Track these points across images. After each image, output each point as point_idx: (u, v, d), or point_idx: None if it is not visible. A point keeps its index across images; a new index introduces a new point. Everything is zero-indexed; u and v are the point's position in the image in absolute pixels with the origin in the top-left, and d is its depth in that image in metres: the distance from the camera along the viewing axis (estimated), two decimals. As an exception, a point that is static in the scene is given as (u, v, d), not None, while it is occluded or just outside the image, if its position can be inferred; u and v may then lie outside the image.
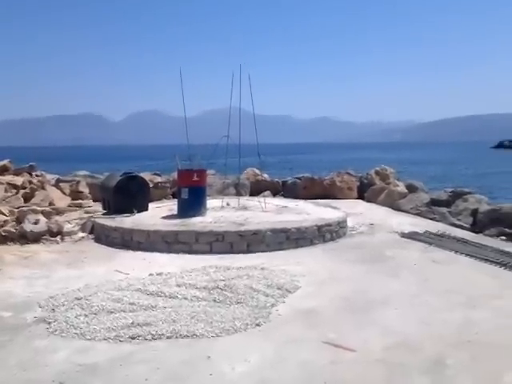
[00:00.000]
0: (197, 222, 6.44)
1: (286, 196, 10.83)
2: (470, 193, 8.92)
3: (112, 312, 3.75)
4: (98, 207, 8.02)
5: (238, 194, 9.77)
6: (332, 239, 6.48)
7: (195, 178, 7.09)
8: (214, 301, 4.00)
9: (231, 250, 5.83)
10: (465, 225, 7.58)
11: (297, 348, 3.21)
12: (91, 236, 6.62)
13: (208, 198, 7.73)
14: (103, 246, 6.21)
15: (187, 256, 5.66)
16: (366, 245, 6.21)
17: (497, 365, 2.94)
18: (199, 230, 6.00)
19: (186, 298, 4.07)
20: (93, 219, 6.96)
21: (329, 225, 6.51)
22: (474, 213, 7.79)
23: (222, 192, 10.19)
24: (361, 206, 9.70)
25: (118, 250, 5.99)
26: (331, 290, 4.37)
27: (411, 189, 9.90)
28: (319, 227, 6.37)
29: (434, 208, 8.45)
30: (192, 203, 6.97)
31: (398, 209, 9.10)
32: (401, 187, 10.03)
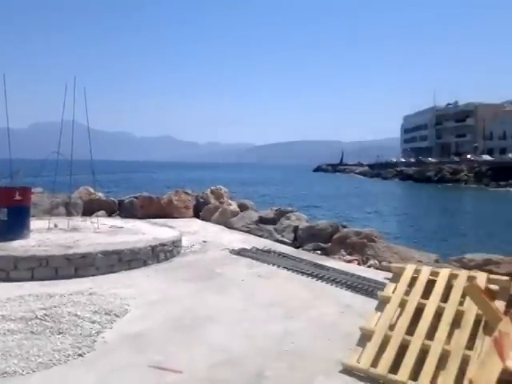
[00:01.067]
0: (17, 246, 5.78)
1: (122, 216, 10.39)
2: (292, 211, 9.88)
3: None
4: None
5: (69, 214, 9.06)
6: (166, 259, 6.44)
7: (17, 197, 6.35)
8: (32, 332, 3.62)
9: (56, 275, 5.36)
10: (287, 240, 8.33)
11: (121, 376, 3.07)
12: None
13: (33, 218, 7.02)
14: None
15: (3, 285, 5.00)
16: (198, 263, 6.31)
17: (309, 372, 3.19)
18: (19, 255, 5.36)
19: (-3, 333, 3.59)
20: None
21: (163, 244, 6.47)
22: (295, 229, 8.60)
23: (50, 212, 9.29)
24: (196, 224, 9.84)
25: None
26: (161, 311, 4.32)
27: (243, 207, 10.53)
28: (153, 247, 6.27)
29: (261, 225, 9.12)
30: (12, 225, 6.25)
31: (230, 227, 9.55)
32: (233, 206, 10.59)
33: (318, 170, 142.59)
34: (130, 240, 6.43)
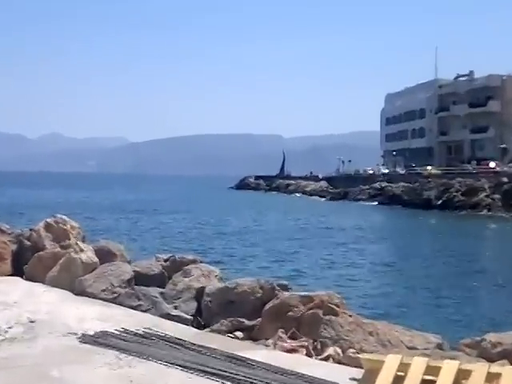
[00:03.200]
0: None
1: None
2: (194, 261, 9.99)
3: None
4: None
5: None
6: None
7: None
8: None
9: None
10: (185, 315, 8.33)
11: None
12: None
13: None
14: None
15: None
16: (19, 361, 6.16)
17: None
18: None
19: None
20: None
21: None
22: (199, 295, 8.66)
23: None
24: (17, 288, 9.65)
25: None
26: None
27: (105, 256, 10.40)
28: None
29: (138, 289, 9.08)
30: None
31: (81, 292, 9.37)
32: (88, 253, 10.41)
33: (241, 186, 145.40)
34: None
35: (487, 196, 63.29)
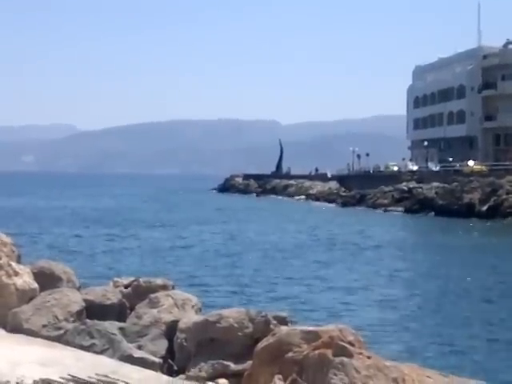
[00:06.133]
0: None
1: None
2: (164, 287, 10.00)
3: None
4: None
5: None
6: None
7: None
8: None
9: None
10: (152, 358, 8.33)
11: None
12: None
13: None
14: None
15: None
16: None
17: None
18: None
19: None
20: None
21: None
22: (172, 331, 8.72)
23: None
24: None
25: None
26: None
27: (47, 280, 10.40)
28: None
29: (92, 323, 9.07)
30: None
31: (16, 327, 9.35)
32: (25, 277, 10.41)
33: (226, 188, 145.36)
34: None
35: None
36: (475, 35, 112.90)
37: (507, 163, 79.28)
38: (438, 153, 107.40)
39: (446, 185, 75.61)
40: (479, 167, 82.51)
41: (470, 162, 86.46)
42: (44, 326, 9.22)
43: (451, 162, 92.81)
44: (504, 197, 66.07)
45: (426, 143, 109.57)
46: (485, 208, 66.88)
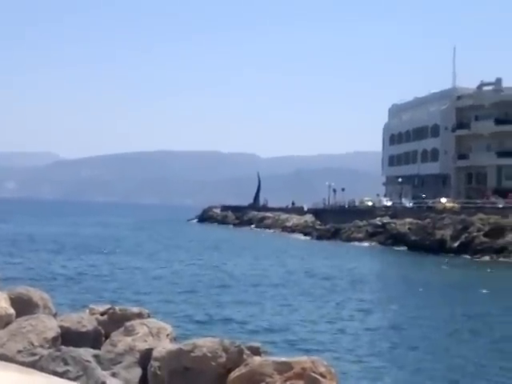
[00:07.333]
0: None
1: None
2: (140, 315, 9.92)
3: None
4: None
5: None
6: None
7: None
8: None
9: None
10: (125, 386, 8.35)
11: None
12: None
13: None
14: None
15: None
16: None
17: None
18: None
19: None
20: None
21: None
22: (146, 359, 8.64)
23: None
24: None
25: None
26: None
27: (23, 307, 10.29)
28: None
29: (67, 350, 8.95)
30: None
31: (-9, 353, 9.27)
32: (1, 303, 10.30)
33: (205, 218, 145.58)
34: None
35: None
36: (450, 76, 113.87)
37: (478, 201, 79.75)
38: (412, 189, 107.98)
39: (418, 221, 75.98)
40: (451, 204, 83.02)
41: (443, 200, 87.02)
42: (19, 351, 9.13)
43: (424, 198, 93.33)
44: (475, 234, 66.36)
45: (400, 180, 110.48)
46: (456, 244, 67.19)
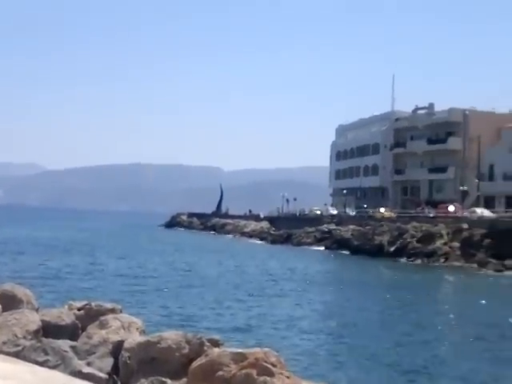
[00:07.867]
0: None
1: None
2: (113, 310, 9.84)
3: None
4: None
5: None
6: None
7: None
8: None
9: None
10: (99, 373, 8.20)
11: None
12: None
13: None
14: None
15: None
16: None
17: None
18: None
19: None
20: None
21: None
22: (117, 350, 8.53)
23: None
24: None
25: None
26: None
27: (8, 302, 10.17)
28: None
29: (47, 341, 8.89)
30: None
31: (-22, 344, 9.17)
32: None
33: (173, 224, 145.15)
34: None
35: (445, 244, 64.20)
36: (390, 101, 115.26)
37: (412, 211, 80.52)
38: (355, 200, 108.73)
39: (360, 228, 76.52)
40: (389, 214, 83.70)
41: (382, 209, 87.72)
42: (4, 342, 9.04)
43: (365, 208, 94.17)
44: (409, 240, 66.95)
45: (345, 191, 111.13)
46: (392, 249, 67.73)
